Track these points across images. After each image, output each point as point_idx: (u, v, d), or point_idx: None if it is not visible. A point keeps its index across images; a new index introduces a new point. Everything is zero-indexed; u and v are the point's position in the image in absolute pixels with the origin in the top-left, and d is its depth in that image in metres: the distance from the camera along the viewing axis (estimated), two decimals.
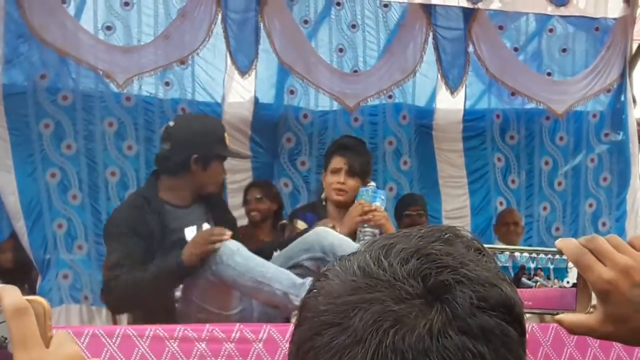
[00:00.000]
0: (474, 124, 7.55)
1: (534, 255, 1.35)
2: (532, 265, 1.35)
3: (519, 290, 1.04)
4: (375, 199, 4.91)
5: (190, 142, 4.58)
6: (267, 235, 6.36)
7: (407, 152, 7.34)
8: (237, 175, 6.76)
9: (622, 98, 7.56)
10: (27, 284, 6.53)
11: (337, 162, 5.09)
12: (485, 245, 1.12)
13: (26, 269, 6.31)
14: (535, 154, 7.62)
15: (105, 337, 3.38)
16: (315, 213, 5.22)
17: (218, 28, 6.47)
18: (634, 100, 7.65)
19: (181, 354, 3.41)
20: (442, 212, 7.31)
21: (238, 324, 3.67)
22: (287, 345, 3.10)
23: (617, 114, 7.62)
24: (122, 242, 4.41)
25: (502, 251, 1.35)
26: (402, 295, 0.94)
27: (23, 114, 6.23)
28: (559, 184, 7.61)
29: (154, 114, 6.65)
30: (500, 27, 7.35)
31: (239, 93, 6.90)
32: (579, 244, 1.30)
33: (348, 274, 0.98)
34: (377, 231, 4.80)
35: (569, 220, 7.61)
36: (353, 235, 4.76)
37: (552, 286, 1.35)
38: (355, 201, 4.94)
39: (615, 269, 1.26)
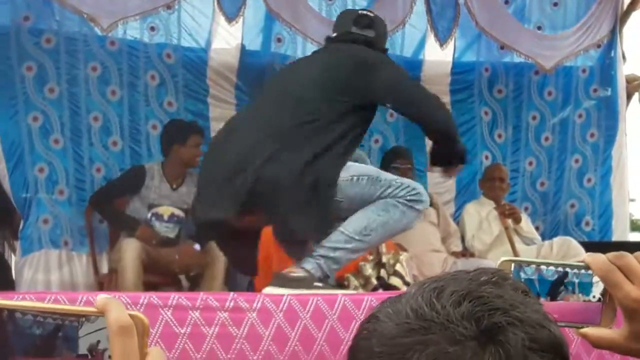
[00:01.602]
0: (462, 76, 7.50)
1: (560, 269, 1.35)
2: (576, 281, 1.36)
3: (544, 302, 1.11)
4: None
5: None
6: None
7: None
8: (221, 123, 6.70)
9: (612, 54, 7.53)
10: (9, 228, 6.51)
11: None
12: (516, 259, 1.25)
13: (8, 211, 6.26)
14: (523, 109, 7.59)
15: (67, 302, 3.34)
16: None
17: None
18: (624, 57, 7.62)
19: (175, 322, 3.39)
20: (428, 165, 7.29)
21: (232, 292, 3.66)
22: (281, 315, 3.07)
23: (606, 70, 7.60)
24: None
25: (529, 264, 1.34)
26: (456, 337, 0.96)
27: (5, 56, 6.15)
28: (546, 139, 7.59)
29: (138, 59, 6.58)
30: None
31: (225, 39, 6.83)
32: (607, 260, 1.30)
33: (401, 316, 1.01)
34: None
35: (554, 175, 7.61)
36: None
37: (576, 300, 1.35)
38: None
39: None
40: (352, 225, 4.09)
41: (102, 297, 1.00)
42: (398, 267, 4.64)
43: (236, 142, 4.17)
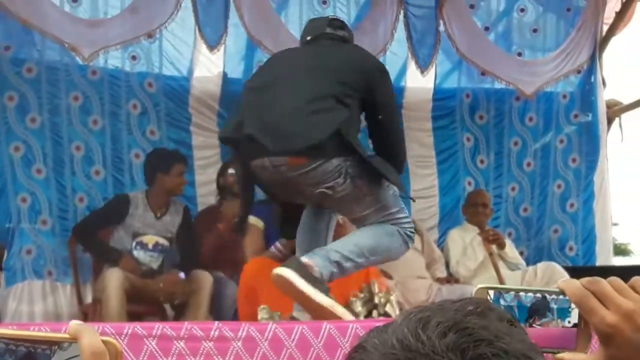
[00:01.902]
0: (443, 103, 7.53)
1: (538, 295, 1.36)
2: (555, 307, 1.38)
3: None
4: None
5: None
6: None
7: None
8: (204, 152, 6.71)
9: (592, 79, 7.59)
10: None
11: None
12: (493, 286, 1.25)
13: None
14: (505, 134, 7.62)
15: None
16: (268, 204, 5.21)
17: (187, 1, 6.42)
18: (604, 82, 7.68)
19: (159, 352, 3.37)
20: (411, 191, 7.30)
21: (217, 322, 3.64)
22: (266, 344, 3.04)
23: (586, 95, 7.65)
24: None
25: (507, 291, 1.34)
26: None
27: None
28: (528, 164, 7.62)
29: (120, 88, 6.57)
30: (472, 6, 7.33)
31: (207, 68, 6.85)
32: (581, 285, 1.30)
33: (387, 346, 1.00)
34: None
35: (537, 201, 7.63)
36: None
37: (555, 326, 1.37)
38: None
39: (618, 313, 1.27)
40: (365, 241, 4.11)
41: (74, 323, 1.01)
42: (388, 307, 4.61)
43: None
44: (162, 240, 6.01)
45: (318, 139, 3.98)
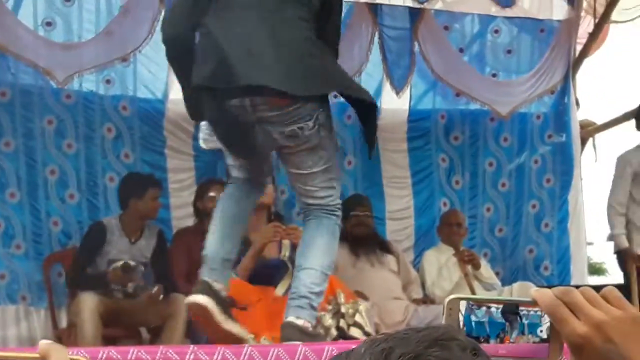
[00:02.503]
0: (418, 124, 7.55)
1: (510, 307, 1.36)
2: (526, 322, 1.37)
3: (492, 345, 1.06)
4: None
5: None
6: None
7: (351, 152, 7.32)
8: (179, 175, 6.69)
9: (566, 100, 7.64)
10: None
11: None
12: (465, 296, 1.24)
13: None
14: (480, 155, 7.64)
15: None
16: None
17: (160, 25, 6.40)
18: (577, 103, 7.73)
19: None
20: (386, 212, 7.30)
21: (192, 345, 3.63)
22: None
23: (560, 116, 7.69)
24: None
25: (480, 303, 1.34)
26: None
27: None
28: (503, 185, 7.64)
29: (94, 111, 6.55)
30: (446, 28, 7.38)
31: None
32: (553, 295, 1.30)
33: None
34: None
35: (512, 221, 7.65)
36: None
37: (526, 341, 1.36)
38: None
39: (588, 323, 1.26)
40: (326, 261, 4.12)
41: (44, 342, 1.01)
42: (357, 317, 4.61)
43: None
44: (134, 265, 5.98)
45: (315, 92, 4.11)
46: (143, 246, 6.02)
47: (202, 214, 6.24)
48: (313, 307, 4.04)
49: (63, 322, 6.15)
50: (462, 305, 1.32)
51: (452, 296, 1.32)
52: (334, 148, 4.26)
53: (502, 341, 1.33)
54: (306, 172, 4.18)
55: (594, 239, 11.25)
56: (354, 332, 4.53)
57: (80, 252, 6.09)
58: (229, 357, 3.52)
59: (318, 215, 4.19)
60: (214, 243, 4.33)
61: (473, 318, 1.32)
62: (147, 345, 5.38)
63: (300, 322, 3.96)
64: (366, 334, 4.56)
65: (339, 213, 4.26)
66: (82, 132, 6.49)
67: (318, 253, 4.13)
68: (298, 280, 4.11)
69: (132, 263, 5.80)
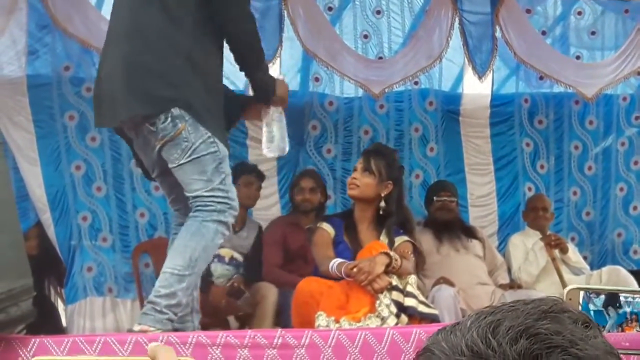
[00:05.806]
0: (501, 109, 7.48)
1: (630, 299, 1.32)
2: (628, 310, 1.34)
3: (615, 333, 1.04)
4: None
5: None
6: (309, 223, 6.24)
7: (433, 139, 7.29)
8: (262, 165, 6.72)
9: None
10: (54, 276, 6.54)
11: (359, 161, 5.20)
12: (583, 287, 1.22)
13: (53, 259, 6.29)
14: (565, 139, 7.55)
15: (117, 344, 3.33)
16: (343, 219, 5.19)
17: None
18: None
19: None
20: (469, 199, 7.25)
21: (280, 329, 3.65)
22: (330, 350, 3.04)
23: None
24: None
25: (597, 293, 1.33)
26: None
27: (47, 105, 6.25)
28: (589, 168, 7.53)
29: None
30: (528, 11, 7.25)
31: None
32: None
33: (456, 352, 0.99)
34: None
35: (600, 204, 7.55)
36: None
37: None
38: None
39: None
40: (177, 261, 3.99)
41: (153, 345, 1.03)
42: (409, 288, 4.57)
43: None
44: (237, 255, 6.03)
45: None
46: (244, 237, 6.09)
47: (300, 205, 6.36)
48: (159, 311, 3.89)
49: None
50: (581, 294, 1.30)
51: (571, 286, 1.30)
52: (203, 138, 4.10)
53: (622, 330, 1.31)
54: (175, 165, 4.11)
55: None
56: (409, 301, 4.49)
57: None
58: (316, 340, 3.53)
59: (191, 215, 4.09)
60: None
61: (591, 307, 1.29)
62: (235, 330, 5.44)
63: (137, 327, 3.86)
64: (421, 302, 4.53)
65: (217, 207, 4.07)
66: None
67: (171, 254, 4.05)
68: None
69: (235, 285, 5.87)
